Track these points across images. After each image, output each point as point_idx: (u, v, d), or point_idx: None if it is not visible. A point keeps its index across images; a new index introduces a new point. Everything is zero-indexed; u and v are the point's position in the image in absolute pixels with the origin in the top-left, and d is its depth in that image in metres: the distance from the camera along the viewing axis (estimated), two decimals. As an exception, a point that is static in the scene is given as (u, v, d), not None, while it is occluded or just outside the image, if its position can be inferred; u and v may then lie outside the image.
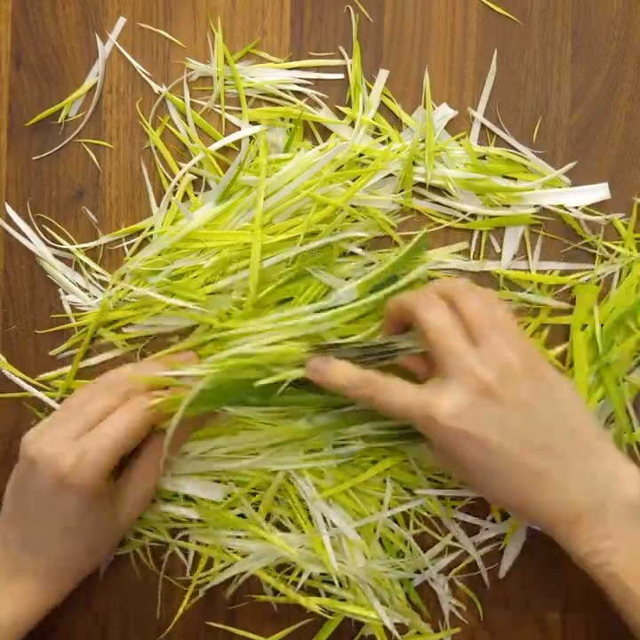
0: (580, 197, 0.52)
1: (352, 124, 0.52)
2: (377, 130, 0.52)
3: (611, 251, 0.52)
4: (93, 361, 0.52)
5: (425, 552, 0.51)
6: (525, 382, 0.41)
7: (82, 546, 0.47)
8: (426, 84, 0.52)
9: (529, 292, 0.52)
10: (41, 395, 0.52)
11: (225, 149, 0.52)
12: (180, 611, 0.52)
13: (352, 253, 0.51)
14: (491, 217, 0.52)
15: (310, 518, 0.51)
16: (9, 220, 0.53)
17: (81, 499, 0.44)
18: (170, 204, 0.52)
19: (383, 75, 0.52)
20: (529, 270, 0.52)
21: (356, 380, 0.44)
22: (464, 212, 0.52)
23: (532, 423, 0.41)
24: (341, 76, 0.53)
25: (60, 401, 0.52)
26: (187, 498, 0.52)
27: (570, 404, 0.42)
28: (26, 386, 0.52)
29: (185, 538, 0.52)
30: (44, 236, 0.53)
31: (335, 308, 0.47)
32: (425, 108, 0.52)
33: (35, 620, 0.46)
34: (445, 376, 0.41)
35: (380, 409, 0.43)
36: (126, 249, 0.52)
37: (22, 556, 0.46)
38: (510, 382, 0.41)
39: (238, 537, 0.51)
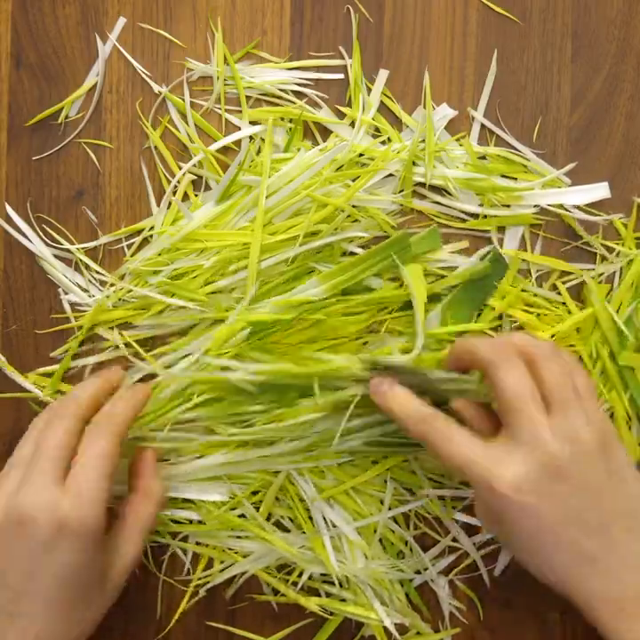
0: (579, 197, 0.52)
1: (352, 124, 0.52)
2: (377, 130, 0.52)
3: (611, 250, 0.53)
4: (91, 360, 0.52)
5: (425, 552, 0.51)
6: (597, 463, 0.40)
7: (82, 604, 0.42)
8: (426, 83, 0.52)
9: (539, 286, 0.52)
10: (40, 393, 0.52)
11: (225, 149, 0.52)
12: (180, 611, 0.52)
13: (352, 253, 0.51)
14: (491, 217, 0.52)
15: (310, 518, 0.51)
16: (9, 220, 0.53)
17: (82, 544, 0.40)
18: (170, 203, 0.52)
19: (383, 75, 0.52)
20: (529, 271, 0.53)
21: (415, 415, 0.42)
22: (465, 213, 0.52)
23: (594, 504, 0.39)
24: (341, 76, 0.53)
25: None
26: (185, 500, 0.51)
27: (634, 485, 0.41)
28: (27, 385, 0.52)
29: (185, 539, 0.52)
30: (43, 236, 0.53)
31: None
32: (425, 108, 0.52)
33: None
34: (515, 442, 0.40)
35: (433, 452, 0.42)
36: (126, 249, 0.52)
37: (14, 619, 0.40)
38: (582, 462, 0.39)
39: (239, 537, 0.51)
